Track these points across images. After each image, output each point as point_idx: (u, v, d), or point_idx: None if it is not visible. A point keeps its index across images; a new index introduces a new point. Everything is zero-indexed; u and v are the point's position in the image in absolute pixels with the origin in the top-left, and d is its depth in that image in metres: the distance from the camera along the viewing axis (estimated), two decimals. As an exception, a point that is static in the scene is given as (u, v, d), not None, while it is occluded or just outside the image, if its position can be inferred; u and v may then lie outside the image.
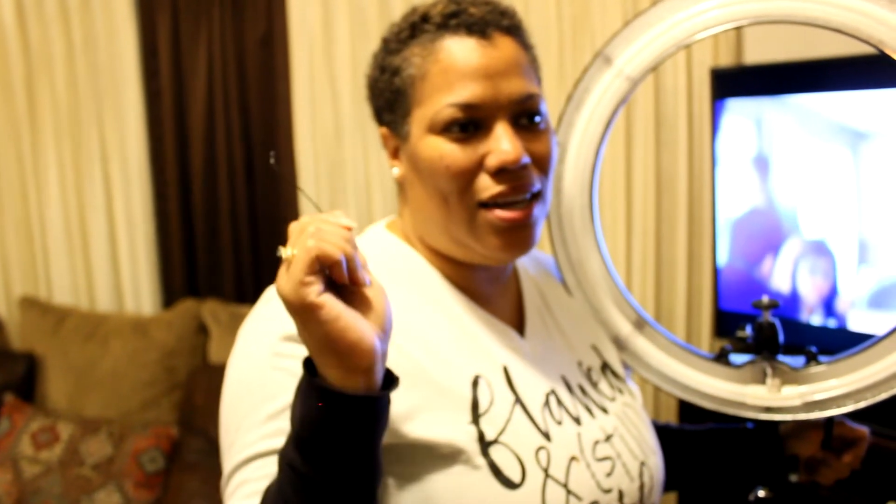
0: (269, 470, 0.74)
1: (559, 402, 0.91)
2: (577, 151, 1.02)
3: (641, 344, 1.03)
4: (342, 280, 0.66)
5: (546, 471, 0.83)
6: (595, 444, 0.90)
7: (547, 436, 0.86)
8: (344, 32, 2.42)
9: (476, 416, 0.82)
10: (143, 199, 2.71)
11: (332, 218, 0.67)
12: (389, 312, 0.69)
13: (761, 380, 0.98)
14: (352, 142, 2.47)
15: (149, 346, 2.46)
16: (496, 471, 0.80)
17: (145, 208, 2.72)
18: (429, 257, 0.92)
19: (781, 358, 0.98)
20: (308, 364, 0.68)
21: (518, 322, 0.97)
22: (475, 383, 0.85)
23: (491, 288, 0.94)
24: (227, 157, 2.66)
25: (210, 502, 2.17)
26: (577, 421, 0.90)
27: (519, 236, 0.87)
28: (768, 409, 0.97)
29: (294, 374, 0.76)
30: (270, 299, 0.85)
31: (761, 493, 1.02)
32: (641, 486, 0.92)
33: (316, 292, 0.63)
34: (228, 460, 0.79)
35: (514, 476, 0.81)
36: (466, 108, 0.83)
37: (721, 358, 1.01)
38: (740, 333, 1.02)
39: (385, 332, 0.68)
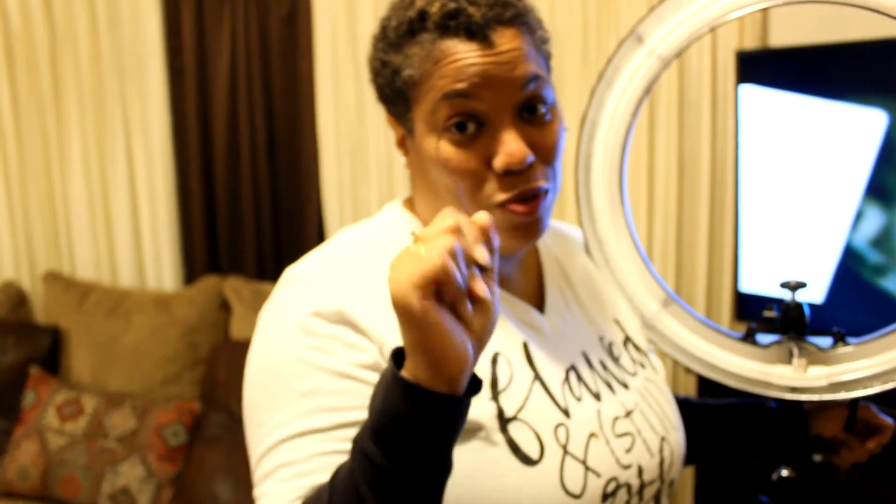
0: (312, 450, 0.74)
1: (579, 378, 0.90)
2: (608, 130, 1.02)
3: (668, 322, 1.04)
4: (451, 296, 0.63)
5: (565, 447, 0.83)
6: (615, 420, 0.90)
7: (566, 412, 0.86)
8: (367, 11, 2.42)
9: (495, 393, 0.82)
10: (166, 175, 2.73)
11: (479, 219, 0.65)
12: (493, 324, 0.67)
13: (787, 360, 0.98)
14: (374, 120, 2.47)
15: (171, 321, 2.49)
16: (514, 447, 0.80)
17: (168, 185, 2.74)
18: None
19: (808, 338, 0.98)
20: (395, 355, 0.67)
21: (538, 298, 0.96)
22: (494, 360, 0.84)
23: (508, 266, 0.93)
24: (250, 134, 2.67)
25: (232, 476, 2.20)
26: (597, 397, 0.90)
27: (529, 230, 0.86)
28: (794, 390, 0.97)
29: (327, 351, 0.77)
30: (292, 278, 0.84)
31: (784, 473, 1.02)
32: (661, 462, 0.92)
33: (422, 299, 0.61)
34: (259, 440, 0.78)
35: (533, 453, 0.81)
36: (462, 98, 0.80)
37: (748, 338, 1.01)
38: (767, 313, 1.02)
39: (482, 343, 0.66)
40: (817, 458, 1.02)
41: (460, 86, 0.80)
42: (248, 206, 2.71)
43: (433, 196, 0.88)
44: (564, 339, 0.93)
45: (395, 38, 0.84)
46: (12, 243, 2.77)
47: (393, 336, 0.78)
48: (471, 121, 0.81)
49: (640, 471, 0.89)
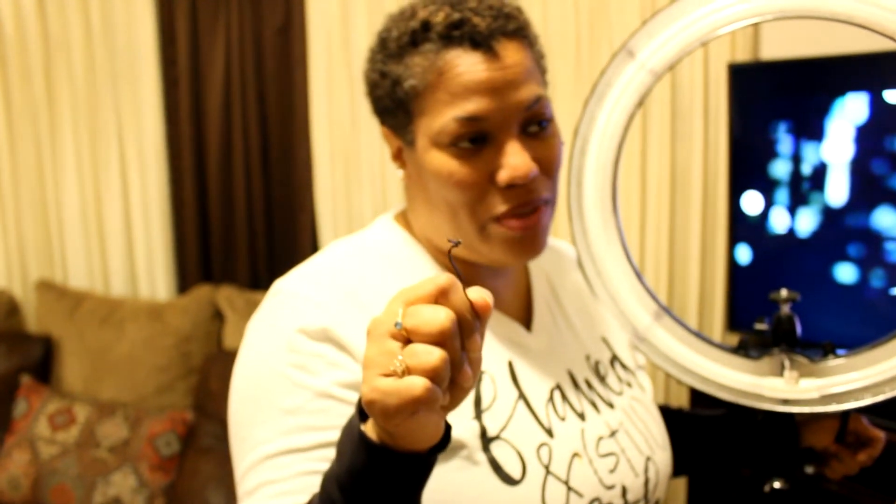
0: (293, 469, 0.74)
1: (564, 397, 0.90)
2: (599, 144, 1.03)
3: (660, 335, 1.04)
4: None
5: (547, 467, 0.83)
6: (599, 439, 0.89)
7: (549, 432, 0.85)
8: (361, 21, 2.43)
9: (479, 412, 0.82)
10: (159, 184, 2.73)
11: (474, 297, 0.58)
12: (469, 391, 0.62)
13: (779, 372, 0.98)
14: (368, 130, 2.48)
15: (164, 331, 2.49)
16: (496, 466, 0.80)
17: (161, 194, 2.74)
18: (433, 252, 0.91)
19: (799, 350, 0.98)
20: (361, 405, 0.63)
21: (525, 316, 0.96)
22: (479, 379, 0.84)
23: (497, 283, 0.93)
24: (244, 144, 2.68)
25: (224, 486, 2.19)
26: (582, 417, 0.90)
27: (529, 243, 0.86)
28: (786, 402, 0.98)
29: (309, 370, 0.77)
30: (279, 292, 0.84)
31: (777, 485, 1.03)
32: (647, 482, 0.92)
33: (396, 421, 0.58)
34: (243, 455, 0.78)
35: (515, 472, 0.81)
36: (473, 121, 0.81)
37: (739, 350, 1.02)
38: (758, 326, 1.03)
39: (456, 406, 0.62)
40: (809, 469, 1.02)
41: (471, 107, 0.80)
42: (242, 215, 2.71)
43: (430, 209, 0.87)
44: (550, 358, 0.93)
45: (395, 49, 0.84)
46: (4, 251, 2.77)
47: None
48: (478, 135, 0.82)
49: (625, 491, 0.89)
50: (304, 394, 0.76)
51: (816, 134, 1.83)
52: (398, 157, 0.90)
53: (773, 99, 1.94)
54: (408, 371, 0.55)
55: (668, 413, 1.17)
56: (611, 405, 0.95)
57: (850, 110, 1.77)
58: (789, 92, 1.91)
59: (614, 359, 1.02)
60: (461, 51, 0.81)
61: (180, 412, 2.32)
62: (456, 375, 0.58)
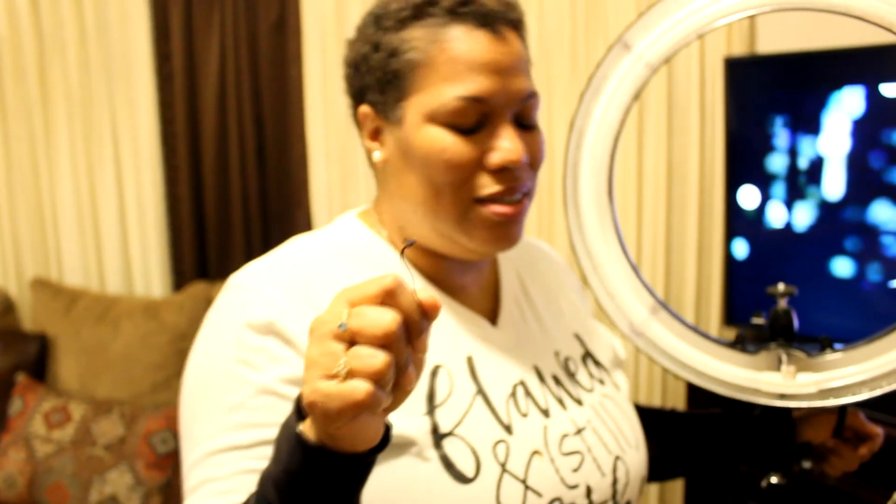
0: (233, 468, 0.73)
1: (527, 392, 0.88)
2: (595, 137, 1.03)
3: (657, 329, 1.04)
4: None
5: (503, 465, 0.80)
6: (563, 437, 0.87)
7: (508, 429, 0.83)
8: (356, 17, 2.40)
9: (431, 408, 0.80)
10: (154, 182, 2.72)
11: (423, 297, 0.57)
12: (410, 392, 0.60)
13: (776, 367, 0.98)
14: (363, 127, 2.47)
15: (160, 328, 2.48)
16: (448, 464, 0.78)
17: (156, 191, 2.73)
18: (399, 247, 0.90)
19: (797, 345, 0.98)
20: (299, 403, 0.62)
21: (493, 311, 0.94)
22: (434, 373, 0.82)
23: (465, 278, 0.92)
24: (239, 140, 2.67)
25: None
26: (546, 413, 0.88)
27: (508, 232, 0.85)
28: (783, 396, 0.97)
29: (252, 365, 0.76)
30: (231, 286, 0.83)
31: (774, 480, 1.03)
32: (615, 482, 0.89)
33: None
34: (188, 450, 0.77)
35: (468, 470, 0.78)
36: (476, 101, 0.80)
37: (736, 344, 1.01)
38: (756, 320, 1.03)
39: (399, 405, 0.61)
40: (807, 464, 1.02)
41: (474, 87, 0.79)
42: (237, 211, 2.70)
43: (407, 197, 0.85)
44: (516, 353, 0.91)
45: (393, 22, 0.82)
46: (0, 249, 2.76)
47: None
48: (475, 117, 0.81)
49: (589, 491, 0.86)
50: (247, 390, 0.75)
51: (813, 128, 1.83)
52: (374, 137, 0.87)
53: (769, 93, 1.94)
54: (351, 374, 0.54)
55: (662, 415, 1.17)
56: (579, 402, 0.92)
57: (847, 104, 1.77)
58: (785, 86, 1.91)
59: (587, 355, 1.00)
60: (467, 28, 0.80)
61: (176, 410, 2.31)
62: (399, 378, 0.56)
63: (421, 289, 0.58)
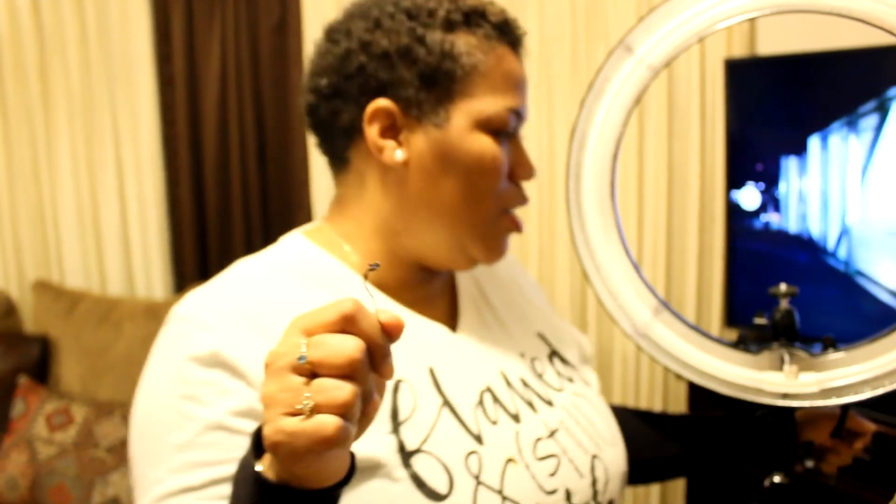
0: None
1: (495, 398, 0.85)
2: (598, 139, 1.03)
3: (660, 330, 1.04)
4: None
5: (477, 477, 0.77)
6: (536, 441, 0.84)
7: (479, 438, 0.80)
8: (357, 20, 2.42)
9: (396, 425, 0.76)
10: (155, 184, 2.72)
11: (385, 319, 0.55)
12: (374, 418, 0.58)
13: (779, 366, 0.99)
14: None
15: (161, 330, 2.48)
16: (419, 482, 0.74)
17: (157, 193, 2.73)
18: (355, 265, 0.85)
19: (799, 345, 0.99)
20: (256, 438, 0.58)
21: (451, 317, 0.92)
22: (396, 389, 0.78)
23: (426, 289, 0.90)
24: (240, 142, 2.67)
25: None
26: (516, 418, 0.85)
27: (508, 243, 0.90)
28: (786, 396, 0.98)
29: (199, 400, 0.71)
30: (173, 318, 0.78)
31: (777, 479, 1.03)
32: (594, 482, 0.87)
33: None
34: (138, 495, 0.73)
35: (441, 486, 0.74)
36: (518, 116, 0.85)
37: (739, 344, 1.02)
38: (758, 320, 1.03)
39: (358, 438, 0.58)
40: (809, 463, 1.02)
41: (517, 102, 0.84)
42: (238, 213, 2.71)
43: (426, 200, 0.82)
44: (479, 359, 0.88)
45: (443, 21, 0.81)
46: (1, 252, 2.75)
47: None
48: (514, 130, 0.86)
49: (569, 494, 0.84)
50: (194, 427, 0.70)
51: (813, 129, 1.84)
52: (390, 135, 0.82)
53: (769, 94, 1.95)
54: (316, 409, 0.51)
55: (662, 418, 1.17)
56: (549, 403, 0.90)
57: (848, 104, 1.77)
58: (786, 87, 1.91)
59: (553, 354, 0.98)
60: (507, 48, 0.85)
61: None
62: (365, 406, 0.54)
63: (382, 309, 0.55)
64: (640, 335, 1.05)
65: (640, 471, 1.08)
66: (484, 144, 0.82)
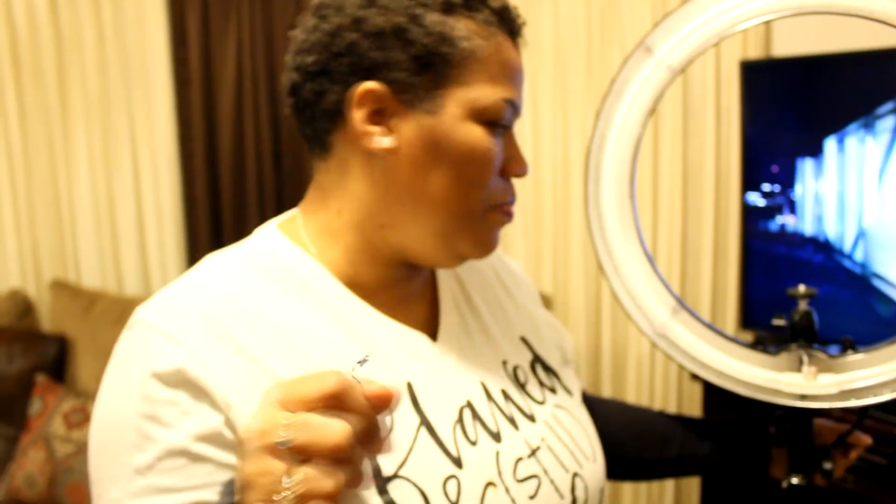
0: None
1: (475, 414, 0.80)
2: (618, 139, 1.03)
3: (678, 330, 1.04)
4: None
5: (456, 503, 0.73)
6: (517, 462, 0.80)
7: (458, 462, 0.76)
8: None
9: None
10: (172, 184, 2.74)
11: (375, 392, 0.54)
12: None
13: (797, 367, 0.99)
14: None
15: (177, 330, 2.50)
16: None
17: (173, 194, 2.75)
18: (331, 263, 0.80)
19: (818, 346, 0.99)
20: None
21: (431, 323, 0.86)
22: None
23: (405, 288, 0.84)
24: (255, 143, 2.69)
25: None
26: (497, 437, 0.81)
27: (497, 238, 0.84)
28: (804, 397, 0.98)
29: (161, 422, 0.67)
30: (135, 323, 0.72)
31: (795, 480, 1.03)
32: (574, 501, 0.84)
33: None
34: None
35: None
36: (514, 108, 0.78)
37: (757, 345, 1.02)
38: (776, 322, 1.03)
39: None
40: (828, 465, 1.02)
41: (514, 94, 0.78)
42: (254, 214, 2.72)
43: (413, 191, 0.77)
44: (460, 370, 0.83)
45: (443, 3, 0.75)
46: (18, 251, 2.78)
47: (243, 395, 0.67)
48: (508, 122, 0.79)
49: None
50: (155, 450, 0.65)
51: (829, 130, 1.83)
52: (378, 120, 0.76)
53: (785, 96, 1.94)
54: (302, 498, 0.49)
55: (679, 422, 1.15)
56: (532, 418, 0.86)
57: (864, 106, 1.77)
58: (801, 88, 1.91)
59: (535, 360, 0.93)
60: (506, 35, 0.79)
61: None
62: (352, 484, 0.52)
63: (368, 380, 0.52)
64: (658, 335, 1.06)
65: (641, 469, 1.09)
66: (476, 135, 0.76)
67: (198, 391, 0.67)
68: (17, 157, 2.73)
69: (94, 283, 2.78)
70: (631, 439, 1.04)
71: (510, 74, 0.78)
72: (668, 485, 2.38)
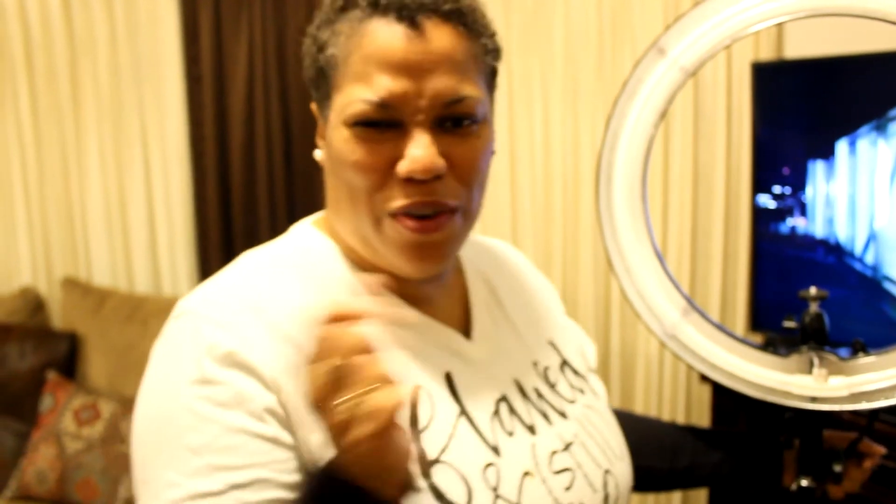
0: None
1: (511, 409, 0.82)
2: (630, 140, 1.04)
3: (689, 331, 1.04)
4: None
5: (495, 490, 0.74)
6: (552, 454, 0.82)
7: (496, 450, 0.77)
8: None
9: (416, 433, 0.73)
10: (183, 183, 2.75)
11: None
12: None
13: (808, 370, 0.99)
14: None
15: (187, 328, 2.50)
16: (438, 494, 0.71)
17: (184, 192, 2.76)
18: (358, 259, 0.81)
19: (829, 348, 0.99)
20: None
21: (464, 322, 0.87)
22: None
23: (429, 288, 0.83)
24: (266, 142, 2.69)
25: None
26: (532, 430, 0.82)
27: (426, 251, 0.75)
28: (814, 399, 0.98)
29: (215, 401, 0.68)
30: (182, 313, 0.74)
31: (805, 483, 1.03)
32: (606, 497, 0.84)
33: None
34: (146, 500, 0.69)
35: (459, 498, 0.72)
36: (380, 106, 0.71)
37: (768, 347, 1.02)
38: (787, 324, 1.03)
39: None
40: (838, 468, 1.02)
41: (380, 90, 0.71)
42: (264, 213, 2.73)
43: (336, 201, 0.79)
44: (494, 367, 0.85)
45: (328, 13, 0.76)
46: (30, 249, 2.80)
47: (291, 380, 0.69)
48: (383, 120, 0.73)
49: None
50: (213, 429, 0.67)
51: (840, 132, 1.83)
52: (323, 136, 0.80)
53: (796, 97, 1.94)
54: (367, 409, 0.58)
55: (686, 432, 1.14)
56: (563, 415, 0.87)
57: (876, 108, 1.76)
58: (813, 90, 1.91)
59: (564, 364, 0.94)
60: (385, 21, 0.72)
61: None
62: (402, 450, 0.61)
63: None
64: (668, 336, 1.06)
65: (651, 480, 1.08)
66: (344, 140, 0.74)
67: (250, 372, 0.69)
68: (29, 156, 2.75)
69: (105, 281, 2.79)
70: (641, 449, 1.03)
71: (379, 68, 0.71)
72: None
